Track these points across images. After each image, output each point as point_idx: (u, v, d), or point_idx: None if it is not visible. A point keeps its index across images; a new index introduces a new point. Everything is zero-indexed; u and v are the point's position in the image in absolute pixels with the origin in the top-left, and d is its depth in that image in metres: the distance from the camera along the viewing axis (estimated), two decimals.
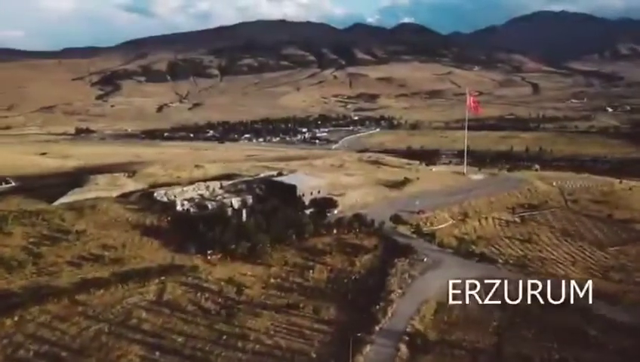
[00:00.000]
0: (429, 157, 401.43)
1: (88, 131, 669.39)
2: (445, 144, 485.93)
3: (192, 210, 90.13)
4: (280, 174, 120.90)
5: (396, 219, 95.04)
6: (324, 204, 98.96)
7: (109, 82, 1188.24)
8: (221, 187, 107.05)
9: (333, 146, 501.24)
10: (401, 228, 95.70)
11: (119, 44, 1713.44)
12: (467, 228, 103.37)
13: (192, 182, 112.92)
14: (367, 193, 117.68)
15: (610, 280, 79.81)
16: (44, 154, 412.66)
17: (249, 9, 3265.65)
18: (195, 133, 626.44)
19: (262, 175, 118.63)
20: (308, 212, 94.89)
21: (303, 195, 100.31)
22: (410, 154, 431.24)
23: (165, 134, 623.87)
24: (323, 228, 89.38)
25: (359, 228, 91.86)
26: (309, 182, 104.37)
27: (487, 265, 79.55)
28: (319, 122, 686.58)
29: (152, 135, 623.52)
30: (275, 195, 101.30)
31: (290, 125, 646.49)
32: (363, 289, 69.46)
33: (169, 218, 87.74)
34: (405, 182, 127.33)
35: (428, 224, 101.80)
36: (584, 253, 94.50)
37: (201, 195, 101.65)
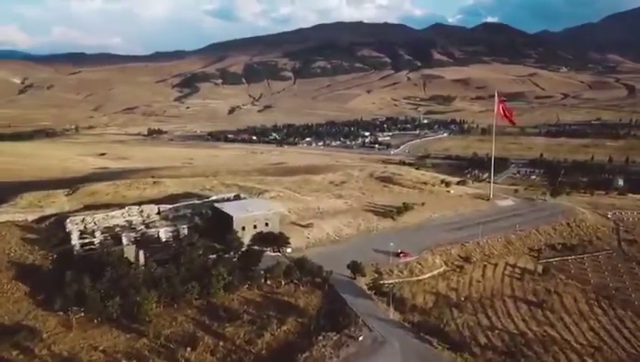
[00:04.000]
0: (495, 165, 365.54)
1: (159, 132, 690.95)
2: (517, 151, 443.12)
3: (77, 247, 71.20)
4: (237, 197, 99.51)
5: (355, 267, 71.50)
6: (271, 241, 77.09)
7: (188, 84, 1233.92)
8: (158, 212, 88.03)
9: (393, 151, 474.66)
10: (362, 280, 71.96)
11: (202, 47, 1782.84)
12: (460, 281, 76.34)
13: (141, 203, 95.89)
14: (348, 223, 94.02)
15: None
16: (102, 155, 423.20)
17: (329, 12, 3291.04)
18: (258, 135, 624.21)
19: (213, 197, 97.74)
20: (247, 250, 73.53)
21: (243, 229, 78.58)
22: (474, 162, 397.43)
23: (229, 136, 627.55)
24: (250, 279, 68.13)
25: (301, 279, 69.63)
26: (258, 210, 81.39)
27: (454, 354, 54.91)
28: (385, 125, 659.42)
29: (217, 137, 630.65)
30: (214, 225, 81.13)
31: (353, 128, 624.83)
32: None
33: (54, 256, 70.34)
34: (403, 209, 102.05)
35: (405, 273, 76.77)
36: (620, 332, 64.75)
37: (129, 222, 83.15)
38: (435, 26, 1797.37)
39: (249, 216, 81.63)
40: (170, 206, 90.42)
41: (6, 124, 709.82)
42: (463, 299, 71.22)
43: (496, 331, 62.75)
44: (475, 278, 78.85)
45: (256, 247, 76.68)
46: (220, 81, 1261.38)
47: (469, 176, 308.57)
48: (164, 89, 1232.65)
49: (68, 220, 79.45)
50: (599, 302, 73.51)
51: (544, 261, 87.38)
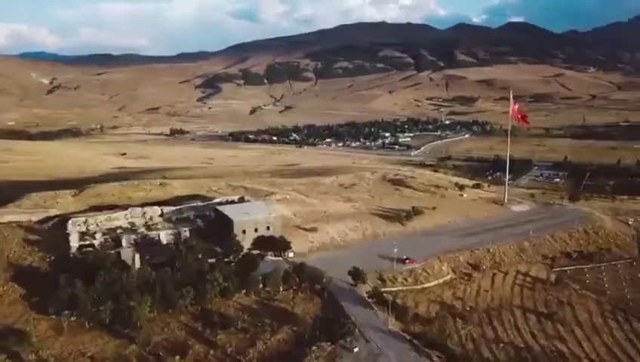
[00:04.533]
0: (517, 168, 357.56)
1: (181, 132, 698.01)
2: (541, 153, 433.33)
3: (74, 249, 70.54)
4: (242, 199, 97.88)
5: (356, 274, 69.28)
6: (272, 245, 75.28)
7: (211, 85, 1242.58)
8: (161, 214, 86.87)
9: (413, 153, 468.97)
10: (363, 287, 69.58)
11: (224, 48, 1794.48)
12: (467, 290, 73.73)
13: (146, 204, 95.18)
14: (354, 227, 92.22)
15: None
16: (123, 154, 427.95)
17: (351, 12, 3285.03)
18: (278, 136, 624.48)
19: (217, 199, 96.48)
20: (245, 254, 71.91)
21: (244, 232, 77.11)
22: (496, 164, 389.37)
23: (250, 136, 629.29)
24: (247, 285, 66.47)
25: (299, 286, 67.68)
26: (259, 213, 79.98)
27: None
28: (406, 126, 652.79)
29: (238, 137, 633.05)
30: (216, 228, 79.71)
31: (373, 129, 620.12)
32: None
33: (52, 258, 69.66)
34: (413, 213, 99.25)
35: (409, 280, 74.25)
36: (636, 348, 61.21)
37: (131, 224, 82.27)
38: (459, 26, 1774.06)
39: (250, 219, 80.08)
40: (174, 208, 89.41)
41: (34, 123, 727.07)
42: (468, 309, 68.29)
43: (502, 344, 59.86)
44: (483, 287, 75.76)
45: (255, 251, 75.09)
46: (241, 81, 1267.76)
47: (490, 178, 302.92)
48: (187, 89, 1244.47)
49: (70, 221, 78.98)
50: (615, 315, 69.58)
51: (558, 269, 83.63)
